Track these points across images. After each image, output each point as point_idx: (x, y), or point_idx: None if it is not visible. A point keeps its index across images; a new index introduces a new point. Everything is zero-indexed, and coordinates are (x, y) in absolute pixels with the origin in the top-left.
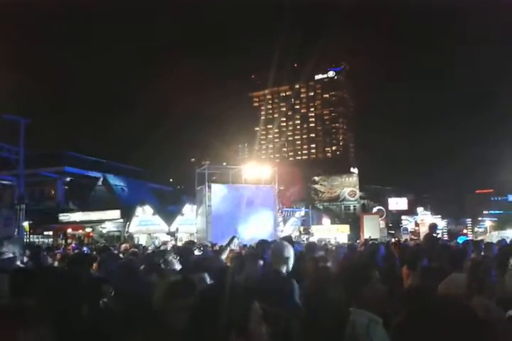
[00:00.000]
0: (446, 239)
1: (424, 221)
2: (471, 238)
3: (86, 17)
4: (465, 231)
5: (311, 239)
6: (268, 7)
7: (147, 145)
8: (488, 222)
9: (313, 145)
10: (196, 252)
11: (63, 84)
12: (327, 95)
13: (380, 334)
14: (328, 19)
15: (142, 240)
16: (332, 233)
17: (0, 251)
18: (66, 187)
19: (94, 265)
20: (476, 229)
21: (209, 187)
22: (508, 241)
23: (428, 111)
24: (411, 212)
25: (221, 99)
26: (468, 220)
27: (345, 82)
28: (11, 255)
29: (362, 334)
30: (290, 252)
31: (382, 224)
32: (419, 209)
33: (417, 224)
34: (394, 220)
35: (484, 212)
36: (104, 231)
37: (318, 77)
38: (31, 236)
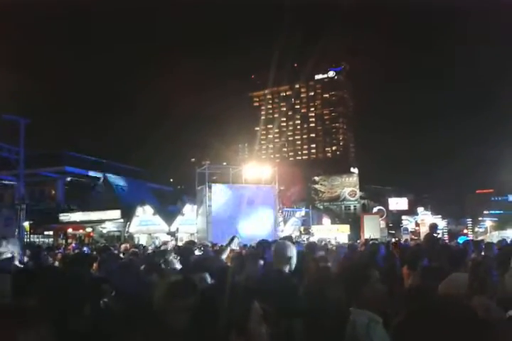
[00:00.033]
0: (446, 239)
1: (425, 221)
2: (471, 238)
3: (86, 17)
4: (465, 231)
5: (312, 239)
6: (268, 7)
7: (147, 145)
8: (488, 222)
9: (314, 145)
10: (197, 252)
11: (63, 84)
12: (327, 95)
13: (380, 334)
14: (328, 19)
15: (142, 240)
16: (332, 233)
17: None
18: (66, 187)
19: (95, 265)
20: (476, 229)
21: (209, 187)
22: (508, 241)
23: (428, 111)
24: (411, 212)
25: (221, 99)
26: (469, 220)
27: (345, 82)
28: (9, 255)
29: (362, 334)
30: (293, 252)
31: (383, 224)
32: (420, 209)
33: (417, 224)
34: (394, 220)
35: (484, 212)
36: (105, 231)
37: (318, 77)
38: (32, 236)
